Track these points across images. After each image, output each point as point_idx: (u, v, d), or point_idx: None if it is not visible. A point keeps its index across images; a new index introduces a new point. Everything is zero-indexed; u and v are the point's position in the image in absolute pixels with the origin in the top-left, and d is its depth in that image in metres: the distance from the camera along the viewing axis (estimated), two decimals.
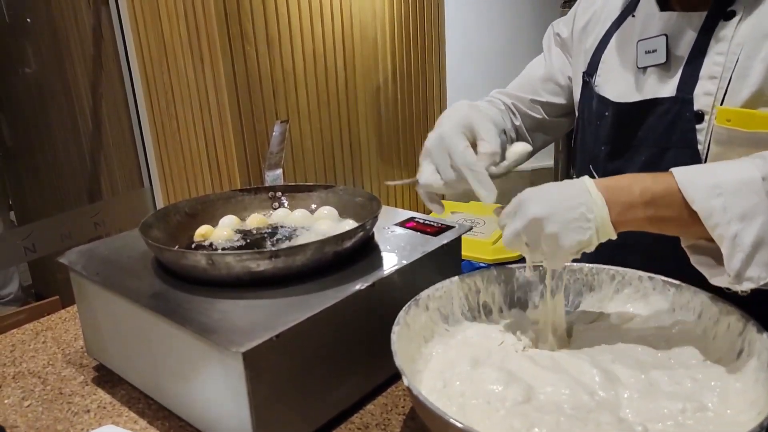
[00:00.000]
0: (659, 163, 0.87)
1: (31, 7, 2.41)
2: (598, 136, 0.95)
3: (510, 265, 0.86)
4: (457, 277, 0.83)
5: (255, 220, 0.98)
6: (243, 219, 1.01)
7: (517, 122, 1.09)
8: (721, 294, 0.73)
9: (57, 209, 2.53)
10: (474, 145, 0.81)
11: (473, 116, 0.83)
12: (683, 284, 0.79)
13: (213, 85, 1.78)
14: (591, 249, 0.70)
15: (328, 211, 0.99)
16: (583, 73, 0.99)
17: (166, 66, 1.91)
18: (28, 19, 2.47)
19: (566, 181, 0.72)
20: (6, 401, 0.87)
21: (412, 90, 2.39)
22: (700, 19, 0.84)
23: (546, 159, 2.52)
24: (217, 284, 0.79)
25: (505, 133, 1.03)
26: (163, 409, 0.83)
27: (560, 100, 1.08)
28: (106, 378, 0.91)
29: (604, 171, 0.95)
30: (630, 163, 0.91)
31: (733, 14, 0.81)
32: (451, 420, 0.57)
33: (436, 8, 2.41)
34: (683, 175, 0.67)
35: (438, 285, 0.81)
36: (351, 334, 0.78)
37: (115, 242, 0.95)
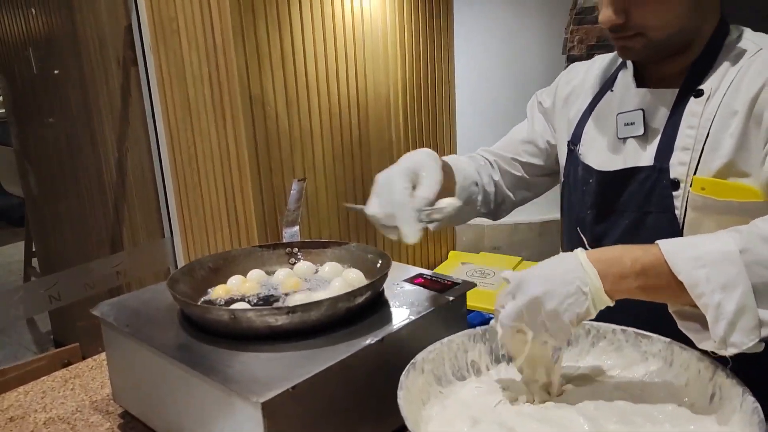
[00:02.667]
0: (641, 226, 0.94)
1: (62, 61, 2.56)
2: (584, 200, 1.03)
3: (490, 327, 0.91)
4: (446, 339, 0.87)
5: (288, 282, 1.02)
6: (268, 273, 1.07)
7: (497, 177, 1.18)
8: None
9: (79, 257, 2.62)
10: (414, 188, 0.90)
11: (424, 162, 0.92)
12: (654, 335, 0.84)
13: (234, 143, 1.88)
14: (590, 317, 0.76)
15: (330, 268, 1.05)
16: (568, 141, 1.08)
17: (190, 123, 2.02)
18: (56, 71, 2.61)
19: (561, 256, 0.78)
20: None
21: (423, 145, 2.49)
22: (673, 95, 0.93)
23: (554, 211, 2.58)
24: (239, 337, 0.85)
25: (477, 185, 1.14)
26: None
27: (539, 161, 1.17)
28: (131, 425, 0.97)
29: (591, 233, 1.01)
30: (614, 226, 0.97)
31: (701, 93, 0.90)
32: None
33: (447, 68, 2.52)
34: (669, 247, 0.73)
35: (430, 347, 0.85)
36: (362, 386, 0.83)
37: (143, 295, 1.02)
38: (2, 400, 1.07)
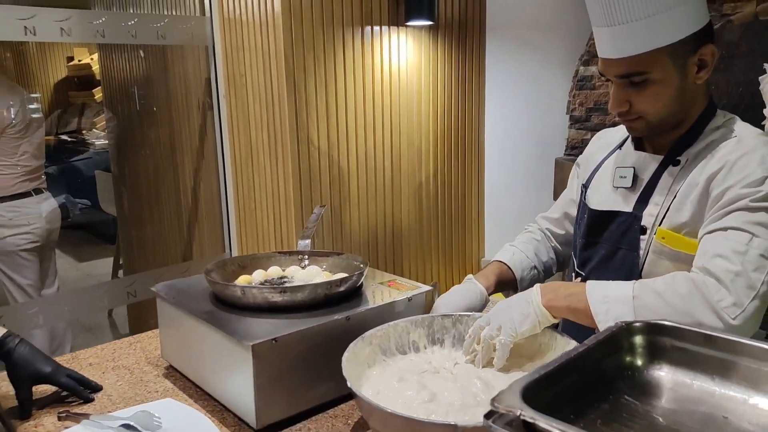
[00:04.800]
0: (612, 258, 1.22)
1: (156, 102, 3.08)
2: (580, 231, 1.32)
3: (431, 315, 1.21)
4: (394, 322, 1.18)
5: (288, 271, 1.38)
6: (283, 270, 1.42)
7: (553, 244, 1.49)
8: None
9: (155, 262, 3.09)
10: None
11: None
12: (557, 333, 1.13)
13: (283, 178, 2.28)
14: (539, 329, 1.07)
15: (315, 270, 1.39)
16: (582, 185, 1.37)
17: (250, 160, 2.44)
18: (155, 108, 3.13)
19: (523, 293, 1.12)
20: (107, 381, 1.30)
21: (452, 187, 2.80)
22: (658, 160, 1.20)
23: None
24: (248, 308, 1.20)
25: (536, 268, 1.46)
26: (204, 393, 1.22)
27: None
28: (172, 373, 1.33)
29: (579, 257, 1.31)
30: (595, 255, 1.26)
31: (678, 162, 1.17)
32: (373, 402, 0.92)
33: (477, 120, 2.85)
34: (590, 286, 1.05)
35: (380, 326, 1.15)
36: (329, 351, 1.14)
37: (188, 281, 1.39)
38: (85, 353, 1.46)
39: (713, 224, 1.05)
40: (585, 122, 2.16)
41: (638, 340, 0.83)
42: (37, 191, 3.03)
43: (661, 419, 0.75)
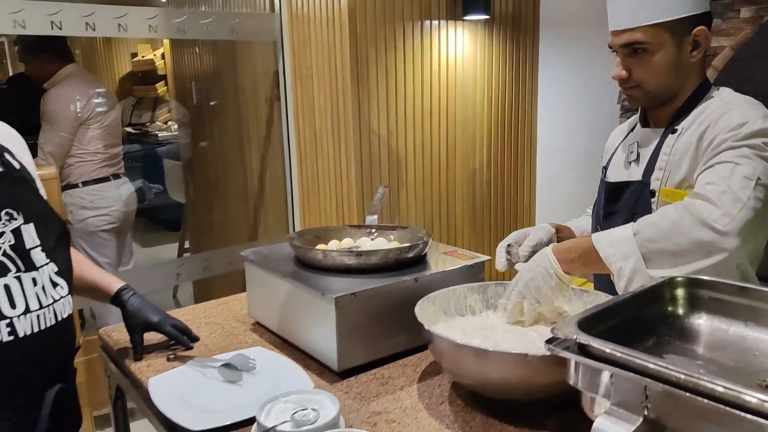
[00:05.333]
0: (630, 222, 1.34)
1: (224, 95, 3.29)
2: (600, 202, 1.46)
3: (486, 283, 1.35)
4: (453, 287, 1.32)
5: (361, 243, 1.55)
6: (354, 241, 1.58)
7: None
8: None
9: (221, 244, 3.31)
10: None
11: (532, 230, 1.42)
12: (592, 291, 1.26)
13: (345, 163, 2.44)
14: (564, 289, 1.20)
15: (382, 241, 1.54)
16: (603, 167, 1.51)
17: (314, 147, 2.61)
18: (223, 100, 3.35)
19: (539, 253, 1.23)
20: (201, 334, 1.49)
21: (504, 175, 2.92)
22: (660, 133, 1.35)
23: None
24: (328, 270, 1.36)
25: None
26: (288, 344, 1.39)
27: None
28: (257, 329, 1.51)
29: (602, 226, 1.43)
30: (614, 222, 1.38)
31: (675, 131, 1.31)
32: (448, 336, 1.06)
33: (530, 110, 2.95)
34: (596, 237, 1.18)
35: (442, 290, 1.29)
36: (399, 308, 1.28)
37: (271, 248, 1.57)
38: (179, 312, 1.65)
39: (704, 166, 1.20)
40: (635, 112, 2.24)
41: (679, 292, 0.95)
42: (116, 176, 3.28)
43: (700, 353, 0.87)
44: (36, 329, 1.11)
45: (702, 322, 0.93)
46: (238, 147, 3.19)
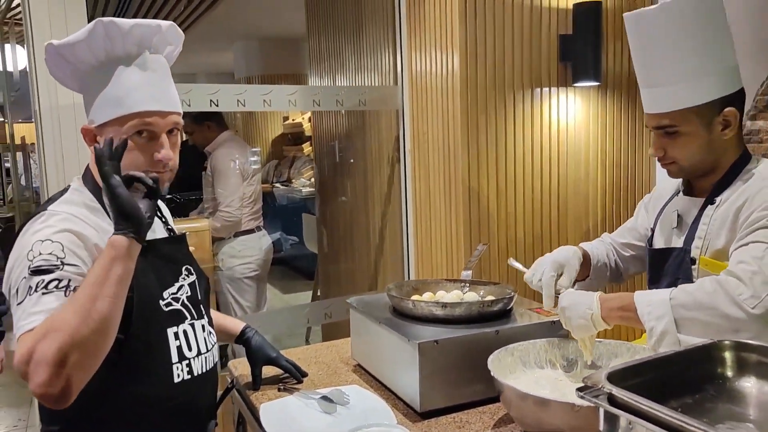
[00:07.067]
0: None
1: (354, 154, 3.62)
2: (647, 269, 1.52)
3: (567, 339, 1.42)
4: (534, 340, 1.41)
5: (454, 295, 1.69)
6: (447, 293, 1.73)
7: (614, 256, 1.67)
8: None
9: (346, 292, 3.58)
10: (559, 275, 1.50)
11: (569, 259, 1.52)
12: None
13: (455, 221, 2.61)
14: (591, 332, 1.29)
15: (472, 295, 1.66)
16: (650, 228, 1.55)
17: (428, 205, 2.81)
18: (353, 161, 3.68)
19: (586, 293, 1.34)
20: (310, 371, 1.70)
21: None
22: (700, 203, 1.41)
23: None
24: (417, 319, 1.52)
25: (606, 265, 1.69)
26: (382, 384, 1.56)
27: (641, 243, 1.63)
28: (358, 370, 1.69)
29: (649, 288, 1.47)
30: (659, 285, 1.43)
31: (714, 202, 1.37)
32: (508, 383, 1.18)
33: (648, 171, 2.93)
34: (638, 295, 1.26)
35: (523, 342, 1.40)
36: (480, 358, 1.40)
37: (374, 297, 1.76)
38: (295, 350, 1.89)
39: (739, 242, 1.24)
40: None
41: (727, 354, 0.99)
42: (258, 228, 3.71)
43: (750, 416, 0.92)
44: (204, 370, 1.37)
45: (750, 385, 0.97)
46: (364, 203, 3.48)
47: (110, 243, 1.13)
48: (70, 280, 1.12)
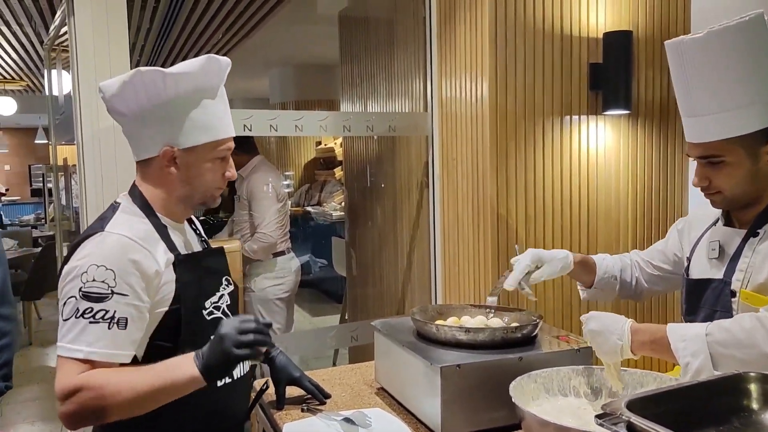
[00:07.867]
0: (711, 320, 1.35)
1: (386, 180, 3.65)
2: (683, 299, 1.47)
3: (592, 367, 1.40)
4: (558, 368, 1.40)
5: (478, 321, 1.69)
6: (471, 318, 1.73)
7: (637, 274, 1.68)
8: None
9: (374, 315, 3.58)
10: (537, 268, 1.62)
11: (553, 258, 1.62)
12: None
13: (483, 246, 2.61)
14: (617, 359, 1.27)
15: (497, 321, 1.66)
16: (687, 257, 1.53)
17: (456, 230, 2.81)
18: (383, 185, 3.71)
19: (619, 317, 1.32)
20: (334, 392, 1.71)
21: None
22: (742, 234, 1.38)
23: None
24: (441, 343, 1.52)
25: (616, 279, 1.71)
26: (404, 408, 1.56)
27: (667, 266, 1.62)
28: (381, 393, 1.70)
29: (685, 320, 1.44)
30: (696, 318, 1.40)
31: (758, 234, 1.33)
32: (529, 410, 1.17)
33: (680, 200, 2.90)
34: (671, 328, 1.25)
35: (547, 369, 1.39)
36: (502, 384, 1.39)
37: (399, 320, 1.77)
38: (320, 372, 1.90)
39: None
40: None
41: (753, 386, 0.98)
42: (288, 251, 3.76)
43: None
44: (241, 374, 1.46)
45: None
46: (393, 227, 3.50)
47: (188, 365, 1.22)
48: (116, 311, 1.23)
